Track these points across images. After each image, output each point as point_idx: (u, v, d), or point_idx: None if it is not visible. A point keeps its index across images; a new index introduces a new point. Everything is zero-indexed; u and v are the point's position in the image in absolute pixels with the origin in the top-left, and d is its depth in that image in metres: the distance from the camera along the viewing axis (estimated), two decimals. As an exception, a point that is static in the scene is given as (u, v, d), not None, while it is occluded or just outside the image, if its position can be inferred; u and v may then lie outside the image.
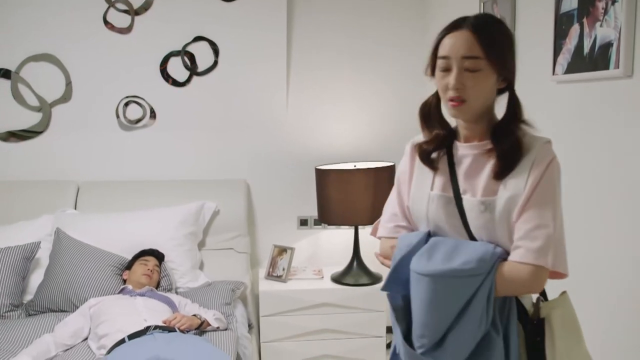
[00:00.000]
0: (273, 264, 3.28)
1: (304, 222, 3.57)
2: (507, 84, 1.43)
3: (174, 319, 2.45)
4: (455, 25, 1.42)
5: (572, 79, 2.03)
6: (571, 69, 2.02)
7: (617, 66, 1.80)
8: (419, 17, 3.50)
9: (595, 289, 1.88)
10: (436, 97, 1.54)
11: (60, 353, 2.41)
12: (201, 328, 2.54)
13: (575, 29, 2.00)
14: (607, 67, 1.85)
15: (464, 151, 1.49)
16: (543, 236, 1.31)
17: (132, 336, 2.29)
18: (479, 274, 1.34)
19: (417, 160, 1.57)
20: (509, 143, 1.38)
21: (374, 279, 3.21)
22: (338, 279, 3.22)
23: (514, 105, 1.43)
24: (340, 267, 3.39)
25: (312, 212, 3.51)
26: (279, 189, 3.53)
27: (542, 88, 2.22)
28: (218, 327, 2.61)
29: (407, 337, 1.46)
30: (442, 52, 1.41)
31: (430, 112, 1.57)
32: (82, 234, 3.00)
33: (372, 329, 3.16)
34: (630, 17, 1.75)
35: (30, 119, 3.30)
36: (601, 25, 1.87)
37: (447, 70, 1.40)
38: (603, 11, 1.87)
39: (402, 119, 3.56)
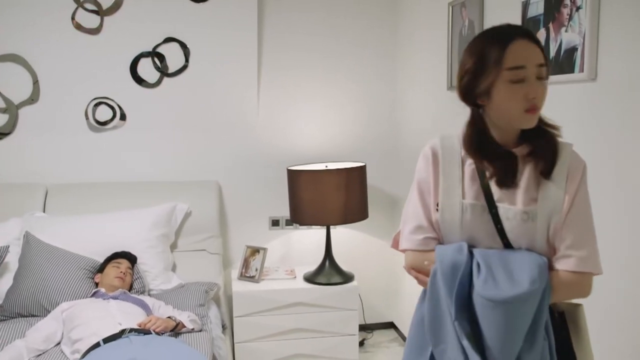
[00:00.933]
0: (246, 264, 3.29)
1: (275, 223, 3.59)
2: None
3: (148, 321, 2.44)
4: (513, 35, 1.37)
5: (538, 82, 2.11)
6: (538, 72, 2.10)
7: (581, 70, 1.88)
8: (389, 17, 3.56)
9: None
10: (480, 121, 1.45)
11: (33, 358, 2.37)
12: (176, 330, 2.54)
13: (541, 33, 2.07)
14: (572, 71, 1.92)
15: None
16: (591, 243, 1.36)
17: (107, 340, 2.27)
18: (535, 294, 1.33)
19: (442, 166, 1.48)
20: (547, 142, 1.40)
21: (346, 277, 3.25)
22: (311, 279, 3.25)
23: None
24: (312, 266, 3.43)
25: (284, 212, 3.53)
26: (250, 189, 3.54)
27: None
28: (193, 329, 2.62)
29: None
30: (515, 62, 1.33)
31: (482, 139, 1.44)
32: (52, 237, 2.96)
33: (345, 327, 3.20)
34: (594, 23, 1.83)
35: (-4, 121, 3.25)
36: (566, 31, 1.95)
37: (520, 81, 1.34)
38: (568, 17, 1.94)
39: (373, 119, 3.61)
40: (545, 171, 1.38)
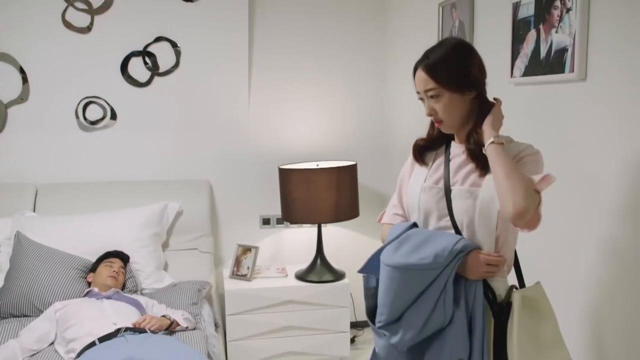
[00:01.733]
0: (237, 263, 3.30)
1: (266, 221, 3.61)
2: (476, 93, 1.63)
3: (143, 320, 2.46)
4: (416, 66, 1.66)
5: (529, 82, 2.15)
6: (528, 72, 2.14)
7: (572, 70, 1.92)
8: (378, 18, 3.59)
9: (560, 280, 2.00)
10: None
11: (27, 358, 2.37)
12: (170, 328, 2.56)
13: (532, 34, 2.11)
14: (562, 71, 1.96)
15: (456, 150, 1.72)
16: (537, 175, 1.53)
17: (102, 339, 2.29)
18: (434, 268, 1.55)
19: (417, 164, 1.81)
20: (473, 146, 1.62)
21: (337, 275, 3.28)
22: (302, 277, 3.27)
23: (483, 111, 1.64)
24: (303, 264, 3.45)
25: (275, 211, 3.55)
26: (241, 188, 3.56)
27: (500, 89, 2.31)
28: (187, 327, 2.63)
29: (373, 313, 1.72)
30: (415, 88, 1.68)
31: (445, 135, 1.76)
32: (43, 237, 2.96)
33: (337, 325, 3.23)
34: (584, 25, 1.87)
35: (-16, 120, 3.22)
36: (556, 32, 1.99)
37: (423, 100, 1.67)
38: (558, 18, 1.98)
39: (363, 119, 3.65)
40: (479, 170, 1.62)
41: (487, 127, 1.60)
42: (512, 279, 1.69)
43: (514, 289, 1.61)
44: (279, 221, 3.59)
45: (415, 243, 1.61)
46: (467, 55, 1.62)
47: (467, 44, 1.68)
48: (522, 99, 2.21)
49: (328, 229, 3.54)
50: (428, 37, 2.98)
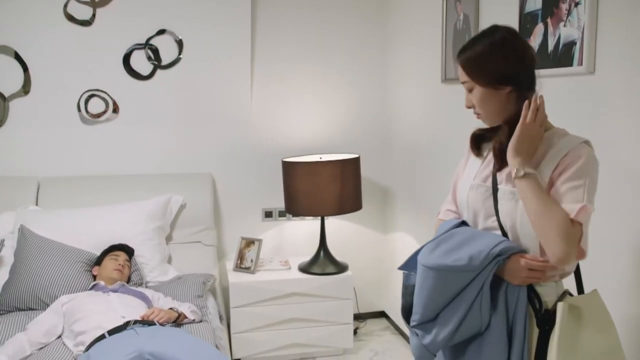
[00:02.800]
0: (241, 255, 3.31)
1: (268, 214, 3.62)
2: (512, 87, 1.52)
3: (151, 313, 2.46)
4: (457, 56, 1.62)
5: (536, 75, 2.17)
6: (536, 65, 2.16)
7: (580, 63, 1.94)
8: (379, 12, 3.60)
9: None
10: None
11: (35, 352, 2.37)
12: (178, 321, 2.57)
13: (539, 28, 2.14)
14: (570, 64, 1.99)
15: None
16: (576, 203, 1.42)
17: (112, 332, 2.29)
18: (469, 270, 1.49)
19: (472, 156, 1.72)
20: (497, 143, 1.57)
21: (340, 268, 3.29)
22: (305, 269, 3.29)
23: (513, 109, 1.54)
24: (305, 257, 3.47)
25: (277, 204, 3.56)
26: (243, 181, 3.56)
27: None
28: (193, 320, 2.64)
29: (410, 311, 1.66)
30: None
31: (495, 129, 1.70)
32: (47, 231, 2.95)
33: (340, 317, 3.26)
34: (593, 19, 1.89)
35: (-15, 113, 3.21)
36: (565, 25, 2.01)
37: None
38: (567, 12, 2.00)
39: (364, 112, 3.66)
40: (497, 167, 1.58)
41: (510, 152, 1.50)
42: (571, 285, 1.60)
43: (567, 296, 1.53)
44: (281, 214, 3.61)
45: (455, 243, 1.55)
46: (505, 52, 1.52)
47: (509, 40, 1.54)
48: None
49: (330, 222, 3.55)
50: (431, 30, 3.00)
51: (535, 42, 2.15)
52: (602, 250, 1.87)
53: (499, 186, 1.57)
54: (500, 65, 1.52)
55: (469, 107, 1.62)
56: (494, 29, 1.57)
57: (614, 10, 1.82)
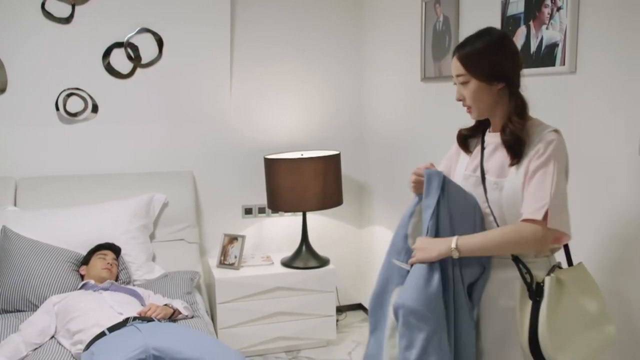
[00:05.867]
0: (224, 252, 3.35)
1: (248, 211, 3.66)
2: (504, 84, 1.69)
3: (148, 309, 2.49)
4: (453, 52, 1.75)
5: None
6: (518, 65, 2.30)
7: (562, 63, 2.09)
8: (355, 11, 3.69)
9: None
10: None
11: (31, 352, 2.36)
12: (173, 317, 2.60)
13: (522, 30, 2.28)
14: (553, 64, 2.13)
15: (489, 139, 1.79)
16: (539, 204, 1.57)
17: (112, 329, 2.30)
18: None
19: (462, 153, 1.88)
20: (509, 136, 1.68)
21: (322, 262, 3.38)
22: (288, 264, 3.36)
23: (514, 103, 1.69)
24: (285, 252, 3.54)
25: (256, 201, 3.62)
26: (223, 179, 3.59)
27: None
28: (187, 315, 2.68)
29: None
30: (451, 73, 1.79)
31: (484, 123, 1.87)
32: (29, 231, 2.92)
33: (324, 309, 3.34)
34: (574, 22, 2.04)
35: (-40, 113, 3.13)
36: (547, 28, 2.16)
37: (455, 84, 1.77)
38: (549, 16, 2.15)
39: (342, 109, 3.75)
40: (510, 160, 1.68)
41: (432, 248, 1.70)
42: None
43: (556, 269, 1.67)
44: (261, 210, 3.66)
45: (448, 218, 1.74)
46: (502, 51, 1.68)
47: (504, 40, 1.71)
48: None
49: (309, 217, 3.63)
50: (409, 31, 3.12)
51: (517, 43, 2.28)
52: (583, 232, 2.02)
53: (485, 176, 1.74)
54: (498, 62, 1.67)
55: (459, 100, 1.76)
56: (491, 30, 1.72)
57: (594, 15, 1.97)
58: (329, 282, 3.34)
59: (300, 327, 3.32)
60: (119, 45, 3.28)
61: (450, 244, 1.66)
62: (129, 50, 3.29)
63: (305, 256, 3.39)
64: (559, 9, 2.09)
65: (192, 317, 2.72)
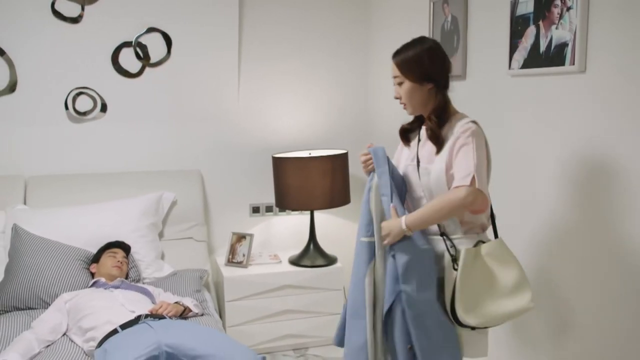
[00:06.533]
0: (232, 250, 3.37)
1: (256, 210, 3.68)
2: (433, 85, 1.99)
3: (160, 307, 2.51)
4: (392, 56, 2.05)
5: (527, 73, 2.33)
6: (527, 64, 2.32)
7: (572, 63, 2.10)
8: (362, 11, 3.71)
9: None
10: None
11: (43, 349, 2.38)
12: (184, 314, 2.62)
13: (531, 30, 2.29)
14: (562, 64, 2.15)
15: (423, 132, 2.07)
16: (466, 172, 1.86)
17: (124, 326, 2.32)
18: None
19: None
20: (429, 131, 2.00)
21: (329, 260, 3.40)
22: (296, 262, 3.38)
23: (437, 103, 1.99)
24: (292, 251, 3.56)
25: (264, 199, 3.64)
26: (230, 178, 3.61)
27: (498, 81, 2.51)
28: (197, 313, 2.70)
29: None
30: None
31: (419, 118, 2.16)
32: (40, 230, 2.94)
33: (331, 307, 3.36)
34: (584, 22, 2.06)
35: (-30, 112, 3.15)
36: (557, 28, 2.17)
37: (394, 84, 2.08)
38: (559, 16, 2.17)
39: (348, 108, 3.77)
40: (435, 150, 1.98)
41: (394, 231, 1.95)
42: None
43: (480, 244, 1.96)
44: (268, 209, 3.68)
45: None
46: (432, 57, 1.98)
47: (435, 49, 2.01)
48: (520, 90, 2.39)
49: (317, 216, 3.64)
50: (417, 31, 3.09)
51: (527, 43, 2.31)
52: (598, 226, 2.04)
53: (420, 163, 2.03)
54: (426, 67, 1.97)
55: (396, 98, 2.06)
56: (424, 39, 2.04)
57: (604, 15, 1.98)
58: (336, 281, 3.36)
59: (308, 325, 3.34)
60: (127, 44, 3.30)
61: (401, 225, 1.92)
62: (138, 49, 3.31)
63: (312, 254, 3.41)
64: (568, 9, 2.11)
65: (202, 315, 2.74)
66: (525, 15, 2.33)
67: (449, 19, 2.85)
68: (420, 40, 2.02)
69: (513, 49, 2.39)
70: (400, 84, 2.02)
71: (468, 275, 1.89)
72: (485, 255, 1.93)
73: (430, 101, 2.00)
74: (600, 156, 2.01)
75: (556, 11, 2.18)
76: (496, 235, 2.06)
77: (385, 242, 1.99)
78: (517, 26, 2.36)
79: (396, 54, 2.02)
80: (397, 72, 2.01)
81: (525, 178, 2.38)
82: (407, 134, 2.15)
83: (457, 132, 1.93)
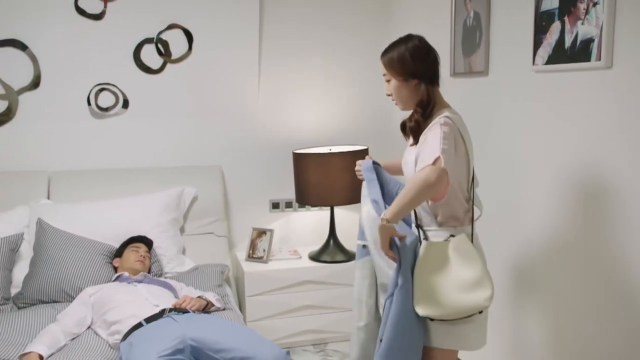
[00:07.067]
0: (253, 246, 3.39)
1: (275, 205, 3.70)
2: (418, 81, 2.06)
3: (183, 301, 2.53)
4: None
5: (552, 69, 2.32)
6: (552, 60, 2.31)
7: (598, 59, 2.09)
8: (383, 8, 3.71)
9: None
10: None
11: (69, 342, 2.41)
12: (207, 309, 2.64)
13: (556, 25, 2.28)
14: (588, 60, 2.14)
15: None
16: (431, 154, 1.89)
17: (148, 320, 2.35)
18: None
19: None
20: (413, 123, 2.09)
21: (349, 256, 3.41)
22: (316, 257, 3.39)
23: (420, 98, 2.06)
24: (312, 247, 3.57)
25: (283, 195, 3.65)
26: (250, 173, 3.63)
27: (521, 77, 2.50)
28: (219, 307, 2.72)
29: None
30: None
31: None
32: (63, 224, 2.98)
33: (351, 303, 3.35)
34: (611, 17, 2.04)
35: (-6, 107, 3.19)
36: (582, 24, 2.16)
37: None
38: (584, 11, 2.15)
39: (369, 105, 3.77)
40: (412, 142, 2.11)
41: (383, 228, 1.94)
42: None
43: (450, 238, 2.00)
44: (288, 205, 3.70)
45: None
46: (414, 56, 2.05)
47: (418, 47, 2.07)
48: (544, 86, 2.38)
49: (337, 212, 3.65)
50: (438, 27, 3.12)
51: (551, 38, 2.30)
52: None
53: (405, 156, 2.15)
54: (409, 65, 2.05)
55: (388, 95, 2.14)
56: (409, 38, 2.10)
57: (632, 9, 1.96)
58: (355, 276, 3.36)
59: (328, 321, 3.35)
60: (149, 40, 3.32)
61: (380, 223, 1.90)
62: (159, 45, 3.34)
63: (332, 250, 3.42)
64: (595, 4, 2.09)
65: (224, 309, 2.76)
66: (550, 11, 2.31)
67: (472, 14, 2.84)
68: (405, 39, 2.10)
69: (537, 44, 2.38)
70: (388, 81, 2.11)
71: (425, 267, 1.96)
72: (452, 249, 1.97)
73: (417, 96, 2.07)
74: (625, 153, 2.00)
75: (582, 7, 2.16)
76: (472, 232, 2.07)
77: (380, 249, 1.96)
78: (542, 22, 2.35)
79: (383, 54, 2.11)
80: (385, 71, 2.11)
81: (545, 175, 2.37)
82: (405, 129, 2.21)
83: (431, 124, 2.02)
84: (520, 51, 2.48)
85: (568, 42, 2.22)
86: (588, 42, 2.13)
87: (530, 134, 2.46)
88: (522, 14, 2.46)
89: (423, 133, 2.03)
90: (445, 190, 1.97)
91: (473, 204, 2.09)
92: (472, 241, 2.04)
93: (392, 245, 1.94)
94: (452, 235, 2.01)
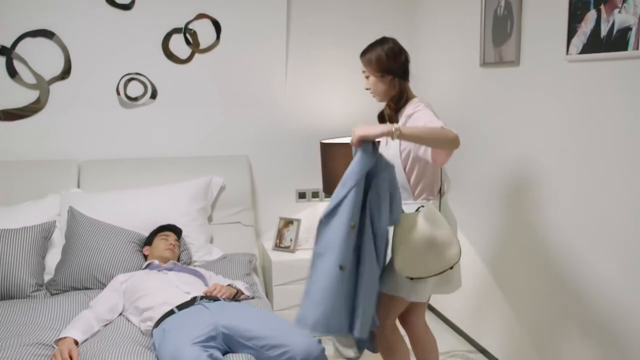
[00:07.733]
0: (279, 235, 3.41)
1: (302, 195, 3.71)
2: (392, 76, 2.34)
3: (214, 289, 2.55)
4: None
5: (587, 59, 2.29)
6: (586, 49, 2.27)
7: (636, 47, 2.06)
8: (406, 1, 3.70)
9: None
10: None
11: (102, 328, 2.45)
12: (236, 297, 2.66)
13: (591, 14, 2.24)
14: (625, 49, 2.10)
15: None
16: (435, 123, 2.13)
17: (180, 307, 2.37)
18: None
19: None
20: (388, 110, 2.38)
21: (375, 246, 3.40)
22: (342, 248, 3.39)
23: (394, 92, 2.35)
24: (338, 236, 3.57)
25: (310, 185, 3.66)
26: (277, 163, 3.65)
27: (554, 67, 2.47)
28: (248, 296, 2.74)
29: None
30: None
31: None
32: (93, 213, 3.01)
33: (377, 293, 3.37)
34: (649, 5, 2.01)
35: (26, 97, 3.23)
36: (619, 12, 2.12)
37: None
38: (622, 0, 2.12)
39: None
40: None
41: (374, 127, 2.10)
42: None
43: (420, 208, 2.19)
44: (314, 195, 3.71)
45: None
46: (390, 56, 2.34)
47: (393, 48, 2.36)
48: (578, 76, 2.35)
49: (363, 202, 3.65)
50: (468, 17, 3.10)
51: (586, 27, 2.26)
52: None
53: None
54: (385, 64, 2.34)
55: (367, 89, 2.41)
56: (384, 40, 2.40)
57: (672, -2, 1.94)
58: (382, 267, 3.36)
59: (354, 310, 3.35)
60: (177, 30, 3.34)
61: (391, 126, 2.02)
62: (188, 35, 3.35)
63: (358, 240, 3.41)
64: (633, -8, 2.06)
65: (253, 298, 2.78)
66: (585, 0, 2.28)
67: (502, 4, 2.81)
68: (381, 41, 2.39)
69: (571, 34, 2.35)
70: (367, 77, 2.39)
71: (400, 234, 2.18)
72: (421, 217, 2.16)
73: (391, 90, 2.36)
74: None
75: (619, -5, 2.13)
76: (440, 203, 2.37)
77: (354, 137, 2.07)
78: (577, 10, 2.32)
79: (363, 54, 2.40)
80: (364, 68, 2.39)
81: (582, 167, 2.35)
82: (384, 117, 2.46)
83: (408, 111, 2.31)
84: (553, 41, 2.45)
85: (604, 31, 2.19)
86: (625, 30, 2.09)
87: (565, 122, 2.43)
88: (556, 3, 2.42)
89: (403, 116, 2.32)
90: (449, 156, 2.17)
91: (442, 179, 2.39)
92: (439, 210, 2.32)
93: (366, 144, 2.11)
94: (422, 206, 2.24)
